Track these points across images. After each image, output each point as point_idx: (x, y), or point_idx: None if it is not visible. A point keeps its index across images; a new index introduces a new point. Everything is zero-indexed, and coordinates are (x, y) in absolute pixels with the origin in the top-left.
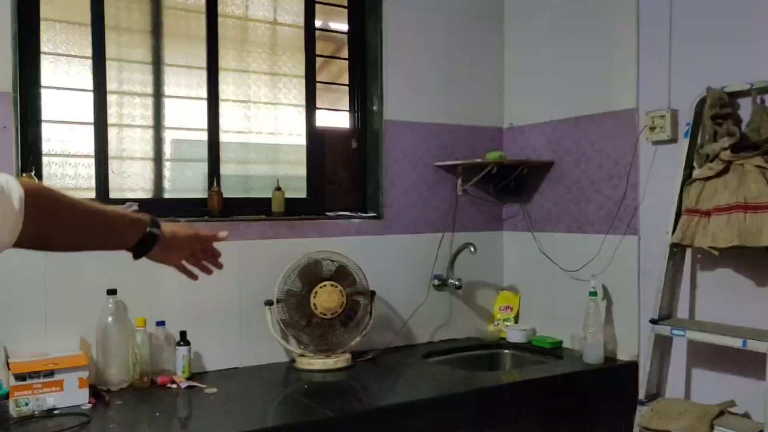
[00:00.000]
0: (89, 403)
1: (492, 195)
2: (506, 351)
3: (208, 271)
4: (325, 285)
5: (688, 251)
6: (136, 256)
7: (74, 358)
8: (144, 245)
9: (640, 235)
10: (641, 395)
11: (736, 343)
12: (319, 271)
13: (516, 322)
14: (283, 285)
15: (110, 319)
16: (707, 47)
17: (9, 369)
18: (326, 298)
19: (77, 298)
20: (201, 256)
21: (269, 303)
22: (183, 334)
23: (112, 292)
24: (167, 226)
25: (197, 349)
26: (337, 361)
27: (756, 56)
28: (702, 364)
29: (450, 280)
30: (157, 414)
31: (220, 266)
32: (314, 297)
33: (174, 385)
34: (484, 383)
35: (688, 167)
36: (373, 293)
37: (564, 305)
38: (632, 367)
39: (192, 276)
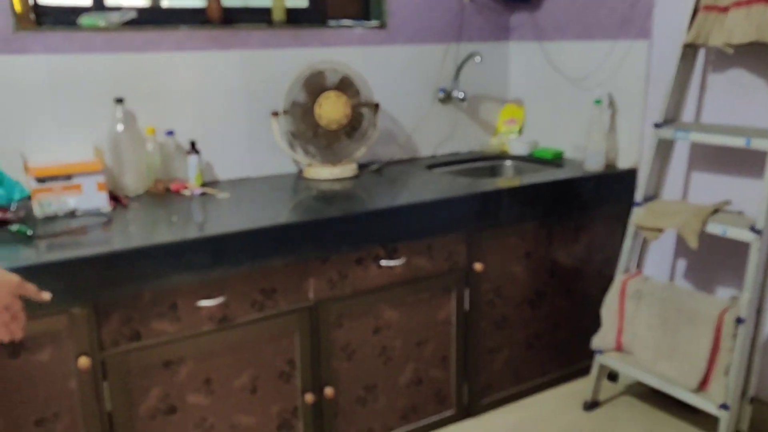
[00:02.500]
0: (109, 206)
1: (499, 2)
2: (508, 162)
3: (8, 338)
4: (329, 96)
5: (701, 54)
6: None
7: (89, 164)
8: None
9: (652, 39)
10: (638, 197)
11: (739, 142)
12: (323, 82)
13: (519, 134)
14: (288, 95)
15: (120, 127)
16: None
17: (29, 173)
18: (331, 109)
19: (86, 107)
20: (6, 317)
21: (275, 114)
22: (193, 143)
23: (119, 101)
24: None
25: (207, 159)
26: (344, 170)
27: None
28: (702, 167)
29: (454, 93)
30: (174, 217)
31: (20, 335)
32: (319, 108)
33: (187, 192)
34: (485, 188)
35: None
36: (377, 105)
37: (568, 116)
38: (632, 173)
39: None
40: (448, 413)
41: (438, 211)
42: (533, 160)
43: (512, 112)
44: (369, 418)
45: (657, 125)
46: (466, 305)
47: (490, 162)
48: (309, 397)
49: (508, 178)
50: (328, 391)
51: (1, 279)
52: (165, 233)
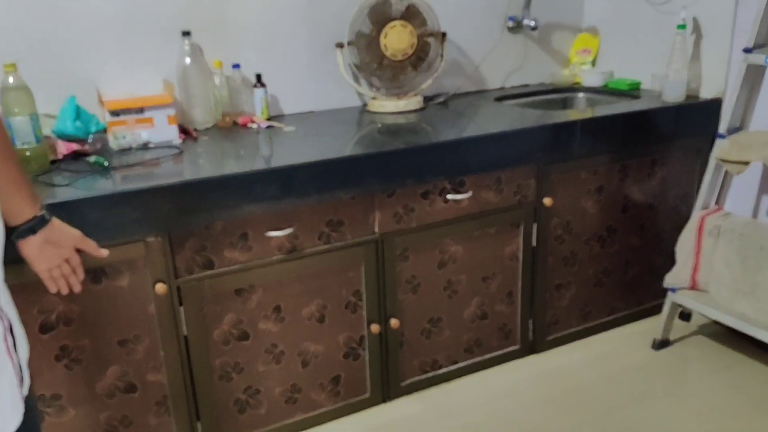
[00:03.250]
0: (179, 138)
1: None
2: (580, 94)
3: (67, 290)
4: (395, 25)
5: None
6: (16, 237)
7: (160, 97)
8: (31, 226)
9: None
10: (722, 129)
11: None
12: (389, 11)
13: (593, 66)
14: (353, 26)
15: (188, 60)
16: None
17: (103, 106)
18: (396, 39)
19: (154, 40)
20: (66, 269)
21: (340, 45)
22: (258, 76)
23: (186, 33)
24: (54, 220)
25: (272, 93)
26: (409, 103)
27: None
28: None
29: (525, 22)
30: (242, 150)
31: (78, 289)
32: (384, 38)
33: (254, 125)
34: (556, 119)
35: None
36: (443, 35)
37: (647, 44)
38: (715, 104)
39: (53, 288)
40: (512, 348)
41: (507, 144)
42: (608, 91)
43: (586, 42)
44: (433, 350)
45: (746, 50)
46: (534, 240)
47: (561, 94)
48: (374, 328)
49: (581, 110)
50: (394, 322)
51: (65, 232)
52: (234, 165)
